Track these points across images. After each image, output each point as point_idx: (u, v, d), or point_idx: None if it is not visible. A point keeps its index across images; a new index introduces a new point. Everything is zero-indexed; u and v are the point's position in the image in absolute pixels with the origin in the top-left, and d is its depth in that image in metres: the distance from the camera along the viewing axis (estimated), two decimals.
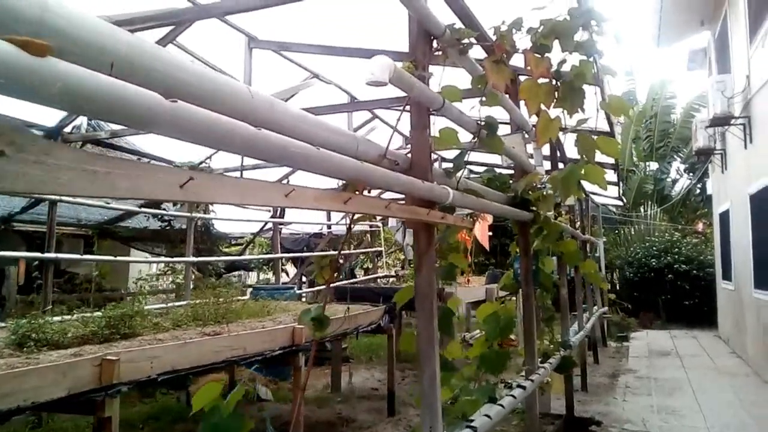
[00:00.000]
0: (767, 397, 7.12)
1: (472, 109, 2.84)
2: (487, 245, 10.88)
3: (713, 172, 13.18)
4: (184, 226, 8.40)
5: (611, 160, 8.80)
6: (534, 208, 4.03)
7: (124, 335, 3.80)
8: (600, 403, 7.03)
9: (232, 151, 1.14)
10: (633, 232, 18.26)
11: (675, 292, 14.75)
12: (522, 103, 3.02)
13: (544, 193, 3.99)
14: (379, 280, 12.38)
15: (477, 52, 3.09)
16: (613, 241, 18.12)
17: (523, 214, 3.86)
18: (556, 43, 2.67)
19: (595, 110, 2.93)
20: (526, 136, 4.27)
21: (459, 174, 2.79)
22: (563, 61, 2.71)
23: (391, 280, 12.13)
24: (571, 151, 5.51)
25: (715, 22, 11.21)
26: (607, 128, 6.64)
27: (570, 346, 5.38)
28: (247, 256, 12.18)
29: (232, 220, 10.74)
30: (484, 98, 2.79)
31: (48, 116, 6.16)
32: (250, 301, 5.87)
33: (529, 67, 2.64)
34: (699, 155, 12.71)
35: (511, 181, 4.17)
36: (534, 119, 3.16)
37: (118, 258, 7.95)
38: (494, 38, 2.66)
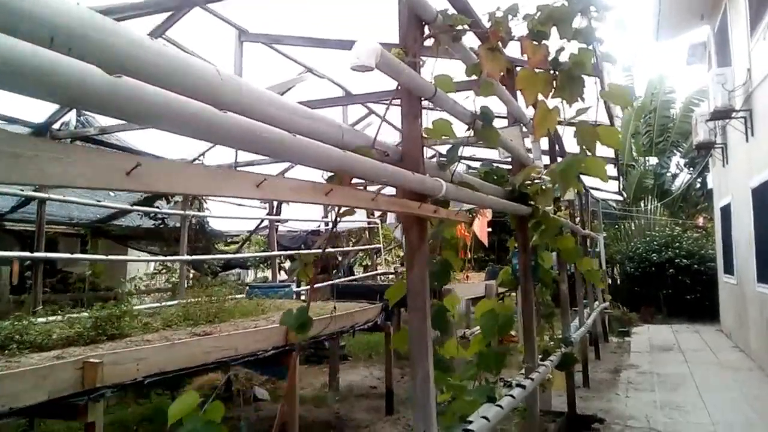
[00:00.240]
0: None
1: (467, 99, 2.74)
2: (486, 241, 10.78)
3: (714, 166, 13.08)
4: (178, 224, 8.29)
5: (611, 154, 8.69)
6: (532, 203, 3.92)
7: (111, 336, 3.69)
8: (602, 400, 6.94)
9: (189, 135, 1.03)
10: (633, 227, 18.17)
11: (676, 286, 14.68)
12: (520, 95, 2.92)
13: (543, 186, 3.88)
14: (378, 277, 12.30)
15: (471, 41, 2.98)
16: (614, 236, 18.04)
17: (521, 208, 3.76)
18: (554, 32, 2.56)
19: (594, 100, 2.82)
20: (524, 129, 4.17)
21: (453, 166, 2.68)
22: (561, 49, 2.60)
23: (390, 277, 12.05)
24: (571, 146, 5.41)
25: (715, 15, 11.11)
26: (607, 122, 6.53)
27: (571, 342, 5.29)
28: (243, 254, 12.07)
29: (227, 217, 10.61)
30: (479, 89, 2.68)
31: (36, 112, 6.04)
32: (243, 300, 5.76)
33: (525, 55, 2.53)
34: (699, 149, 12.62)
35: (509, 175, 4.07)
36: (532, 111, 3.05)
37: (110, 257, 7.84)
38: (489, 25, 2.55)
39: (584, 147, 2.71)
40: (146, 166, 0.87)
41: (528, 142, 4.57)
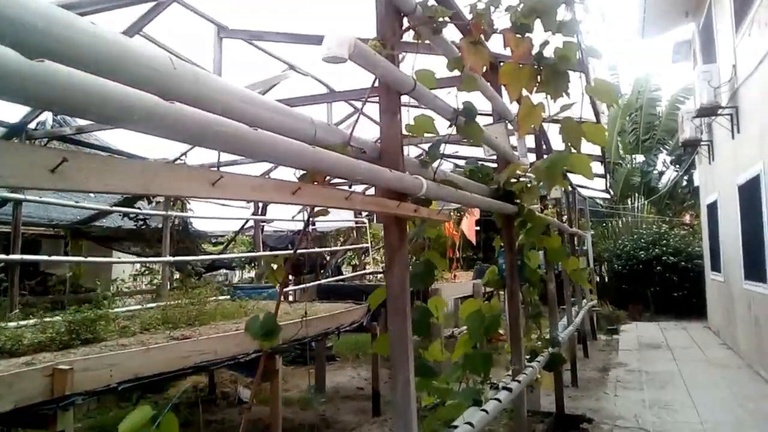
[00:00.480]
0: (760, 390, 7.00)
1: (449, 94, 2.65)
2: (473, 239, 10.73)
3: (700, 163, 13.10)
4: (160, 225, 8.15)
5: (598, 151, 8.64)
6: (518, 201, 3.85)
7: (85, 341, 3.57)
8: (591, 399, 6.89)
9: (123, 127, 0.94)
10: (621, 225, 18.23)
11: (664, 284, 14.70)
12: (504, 92, 2.84)
13: (528, 184, 3.81)
14: (366, 276, 12.19)
15: (453, 35, 2.90)
16: (601, 234, 18.07)
17: (506, 206, 3.68)
18: (538, 24, 2.48)
19: (580, 96, 2.74)
20: (510, 126, 4.10)
21: (435, 164, 2.59)
22: (546, 43, 2.52)
23: (379, 276, 11.95)
24: (557, 143, 5.34)
25: (700, 12, 11.11)
26: (593, 119, 6.46)
27: (559, 342, 5.23)
28: (227, 255, 11.92)
29: (210, 218, 10.46)
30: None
31: (11, 113, 5.88)
32: (226, 302, 5.64)
33: (509, 48, 2.45)
34: (686, 146, 12.63)
35: (494, 173, 3.99)
36: (516, 108, 2.97)
37: (91, 259, 7.68)
38: (470, 17, 2.47)
39: (569, 144, 2.63)
40: (74, 161, 0.78)
41: (513, 140, 4.50)
